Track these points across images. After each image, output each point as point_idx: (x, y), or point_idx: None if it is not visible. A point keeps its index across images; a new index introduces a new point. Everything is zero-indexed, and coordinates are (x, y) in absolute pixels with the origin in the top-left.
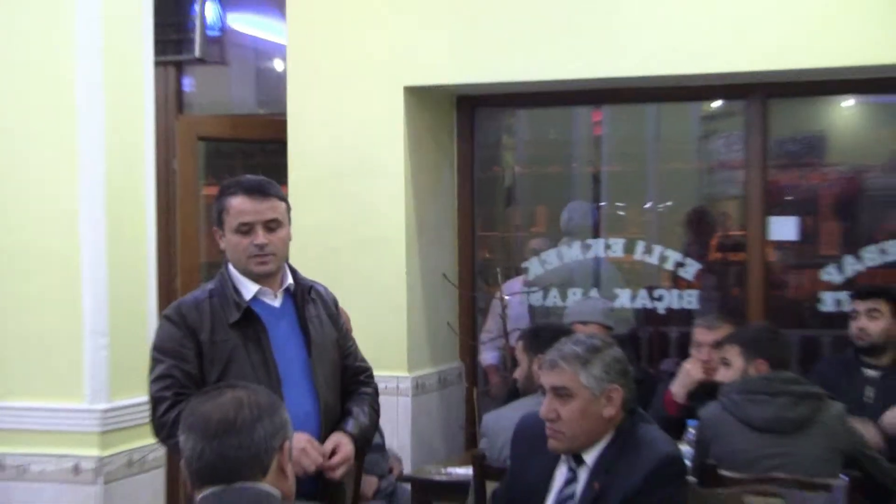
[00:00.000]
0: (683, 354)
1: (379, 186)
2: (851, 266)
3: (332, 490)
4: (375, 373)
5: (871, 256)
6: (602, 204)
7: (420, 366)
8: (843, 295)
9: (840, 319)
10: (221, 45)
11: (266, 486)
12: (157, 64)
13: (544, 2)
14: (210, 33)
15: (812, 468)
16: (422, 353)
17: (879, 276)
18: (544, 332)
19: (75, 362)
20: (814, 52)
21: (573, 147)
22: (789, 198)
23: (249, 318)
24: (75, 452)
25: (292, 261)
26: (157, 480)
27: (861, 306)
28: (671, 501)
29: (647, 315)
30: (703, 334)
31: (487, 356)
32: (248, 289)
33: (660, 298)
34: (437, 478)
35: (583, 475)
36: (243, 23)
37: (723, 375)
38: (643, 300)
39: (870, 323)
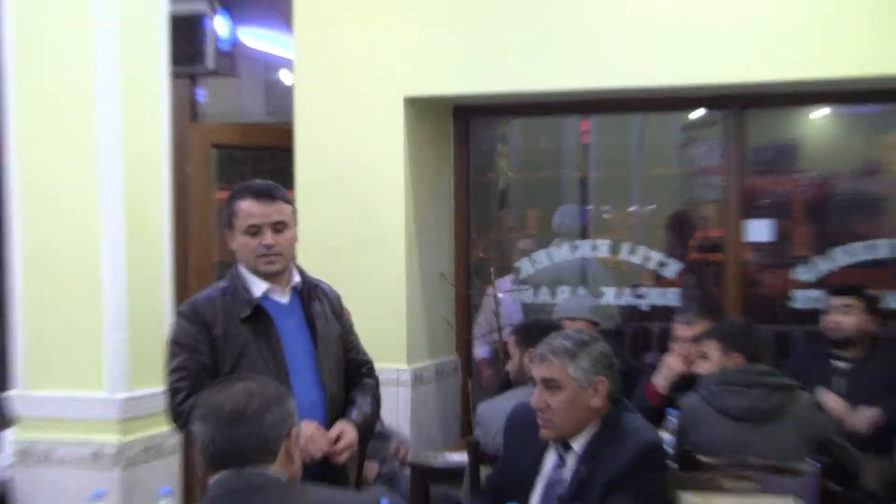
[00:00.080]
0: (665, 348)
1: (380, 190)
2: (822, 266)
3: (336, 474)
4: (377, 365)
5: (840, 257)
6: (589, 207)
7: (419, 359)
8: (814, 293)
9: (811, 316)
10: (233, 58)
11: (275, 470)
12: (173, 75)
13: (536, 19)
14: (222, 47)
15: (784, 454)
16: (420, 347)
17: (847, 276)
18: (535, 328)
19: (96, 355)
20: (788, 65)
21: (562, 154)
22: (764, 202)
23: (259, 314)
24: (96, 439)
25: (299, 260)
26: (172, 465)
27: (836, 302)
28: (653, 485)
29: (631, 311)
30: (683, 329)
31: (479, 350)
32: (258, 286)
33: (643, 296)
34: (435, 463)
35: (570, 461)
36: (253, 37)
37: (701, 368)
38: (627, 297)
39: (843, 317)
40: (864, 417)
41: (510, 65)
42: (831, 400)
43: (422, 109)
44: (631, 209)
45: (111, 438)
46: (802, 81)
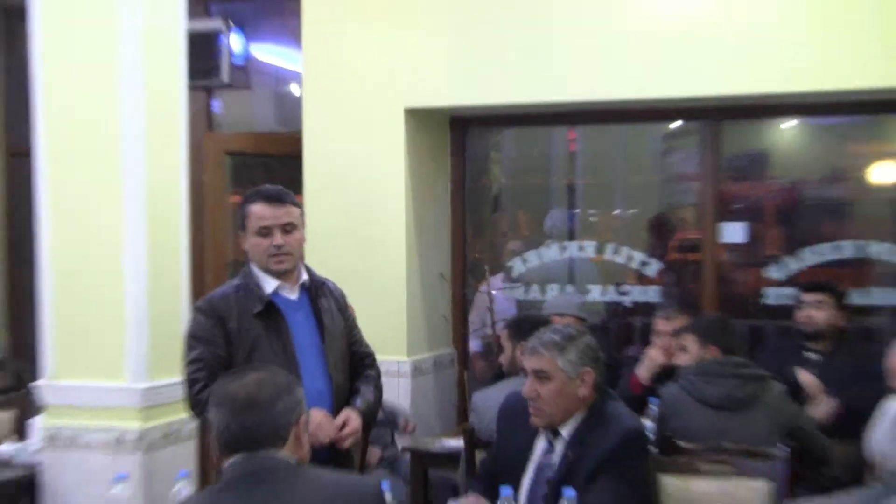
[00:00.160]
0: (646, 342)
1: (382, 195)
2: (791, 265)
3: (341, 459)
4: (379, 357)
5: (809, 257)
6: (576, 211)
7: (418, 351)
8: (785, 290)
9: (781, 311)
10: (246, 72)
11: (285, 454)
12: (190, 88)
13: (528, 37)
14: (236, 62)
15: (757, 440)
16: (419, 341)
17: (815, 274)
18: (526, 323)
19: (118, 347)
20: (760, 80)
21: (552, 161)
22: (738, 206)
23: (271, 310)
24: (119, 425)
25: (306, 260)
26: (190, 450)
27: (809, 298)
28: (635, 469)
29: (615, 308)
30: (663, 324)
31: (472, 344)
32: (269, 284)
33: (626, 293)
34: (433, 448)
35: (559, 446)
36: (265, 53)
37: (681, 360)
38: (612, 295)
39: (816, 312)
40: (823, 408)
41: (503, 79)
42: (807, 378)
43: (421, 120)
44: (615, 213)
45: (133, 425)
46: (773, 95)
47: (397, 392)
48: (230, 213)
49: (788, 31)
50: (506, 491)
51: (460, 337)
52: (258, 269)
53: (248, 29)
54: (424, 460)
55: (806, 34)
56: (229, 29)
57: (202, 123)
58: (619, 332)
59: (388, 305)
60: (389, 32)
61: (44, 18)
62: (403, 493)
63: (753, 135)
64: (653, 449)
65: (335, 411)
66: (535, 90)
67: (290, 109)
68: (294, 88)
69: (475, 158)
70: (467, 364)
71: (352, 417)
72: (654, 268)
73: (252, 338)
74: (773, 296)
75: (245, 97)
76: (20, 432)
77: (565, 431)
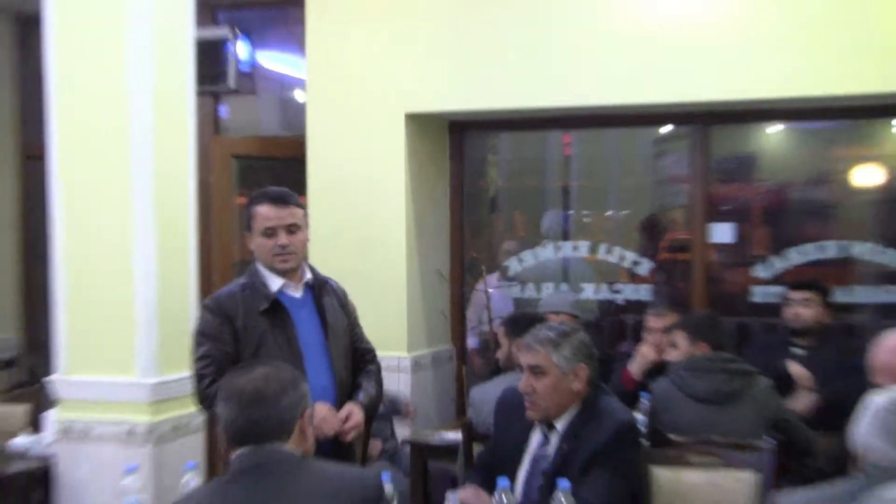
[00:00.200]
0: (638, 338)
1: (383, 197)
2: (777, 264)
3: (344, 451)
4: (380, 353)
5: (794, 256)
6: (571, 212)
7: (418, 347)
8: (771, 288)
9: (768, 309)
10: (251, 78)
11: (290, 447)
12: (198, 94)
13: (523, 45)
14: (242, 68)
15: (744, 433)
16: (419, 337)
17: (800, 273)
18: (522, 320)
19: (129, 344)
20: (747, 86)
21: (547, 164)
22: (727, 208)
23: (276, 308)
24: (130, 419)
25: (310, 259)
26: (198, 442)
27: (796, 296)
28: (628, 461)
29: (608, 305)
30: (654, 321)
31: (469, 341)
32: (275, 282)
33: (619, 291)
34: (432, 441)
35: (554, 439)
36: (270, 60)
37: (671, 356)
38: (605, 293)
39: (804, 310)
40: (803, 402)
41: (500, 85)
42: (799, 371)
43: (421, 124)
44: (608, 214)
45: (143, 418)
46: (760, 100)
47: (397, 387)
48: (236, 214)
49: (776, 41)
50: (503, 482)
51: (459, 334)
52: (264, 268)
53: (254, 37)
54: (424, 452)
55: (793, 43)
56: (236, 37)
57: (209, 127)
58: (611, 329)
59: (389, 303)
60: (390, 41)
61: (57, 26)
62: (404, 485)
63: (741, 139)
64: (644, 442)
65: (339, 405)
66: (531, 96)
67: (295, 114)
68: (298, 94)
69: (473, 161)
70: (465, 360)
71: (355, 411)
72: (645, 267)
73: (258, 334)
74: (760, 294)
75: (251, 102)
76: (35, 425)
77: (560, 425)
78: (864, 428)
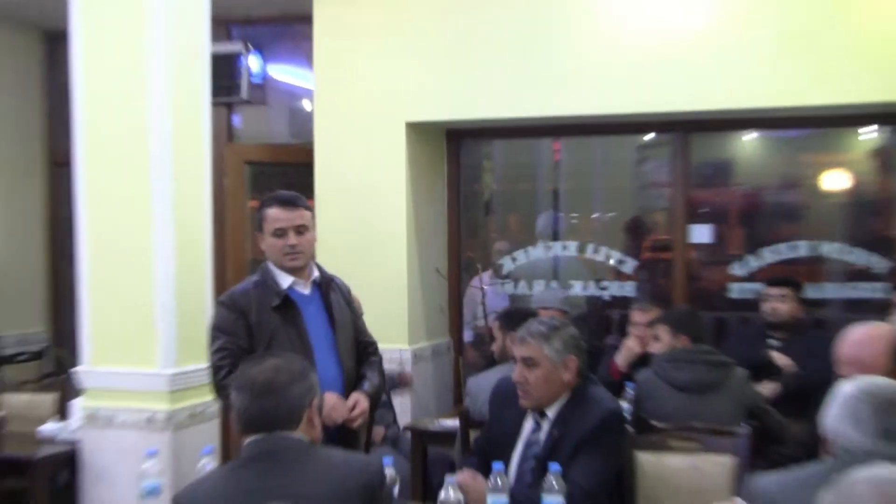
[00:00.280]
0: (623, 332)
1: (385, 200)
2: (752, 263)
3: (350, 437)
4: (383, 346)
5: (768, 255)
6: (560, 214)
7: (418, 340)
8: (747, 285)
9: (744, 304)
10: (263, 89)
11: (298, 434)
12: (213, 104)
13: (516, 59)
14: (254, 80)
15: (722, 420)
16: (419, 331)
17: (774, 271)
18: (515, 315)
19: (150, 337)
20: (725, 96)
21: (537, 170)
22: (705, 210)
23: (287, 304)
24: (150, 407)
25: (317, 258)
26: (213, 429)
27: (774, 291)
28: (614, 445)
29: (595, 301)
30: (638, 316)
31: (465, 335)
32: (285, 280)
33: (605, 288)
34: (432, 428)
35: (545, 425)
36: (280, 72)
37: (654, 348)
38: (592, 290)
39: (780, 305)
40: (768, 389)
41: (494, 96)
42: (783, 360)
43: (420, 132)
44: (594, 216)
45: (162, 406)
46: (736, 110)
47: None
48: (249, 216)
49: (751, 55)
50: (497, 466)
51: (456, 327)
52: (274, 267)
53: (266, 51)
54: (424, 438)
55: (766, 57)
56: (248, 51)
57: (224, 136)
58: (598, 323)
59: (391, 299)
60: (392, 55)
61: (83, 42)
62: (405, 468)
63: (719, 146)
64: (629, 428)
65: (346, 394)
66: (523, 106)
67: (303, 123)
68: (306, 104)
69: (469, 167)
70: (462, 352)
71: (361, 400)
72: (630, 265)
73: (271, 329)
74: (737, 290)
75: (262, 112)
76: (62, 413)
77: (551, 412)
78: (833, 415)
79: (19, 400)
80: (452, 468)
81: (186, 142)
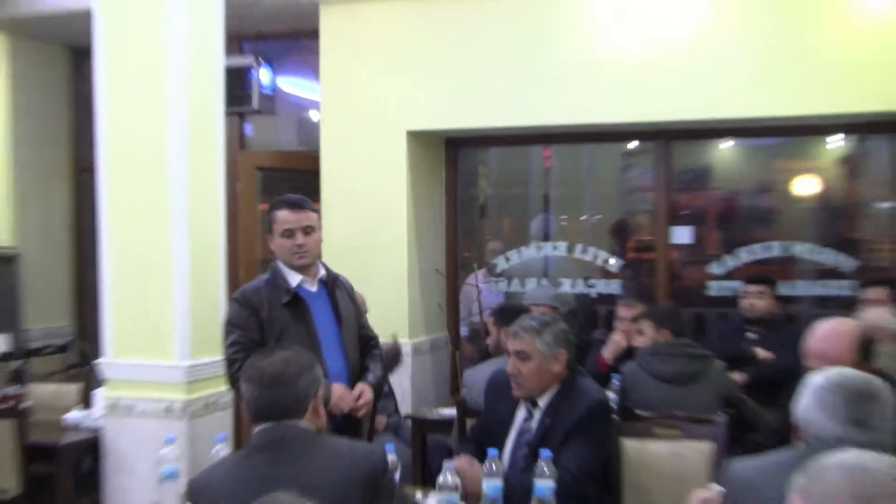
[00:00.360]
0: (610, 326)
1: (387, 203)
2: (729, 262)
3: (354, 425)
4: (384, 340)
5: (744, 255)
6: (550, 217)
7: (417, 335)
8: (724, 283)
9: (721, 301)
10: (273, 100)
11: (304, 423)
12: (226, 114)
13: (509, 72)
14: (264, 92)
15: (702, 409)
16: (419, 326)
17: (750, 270)
18: (509, 310)
19: (167, 332)
20: (704, 106)
21: (529, 175)
22: (686, 213)
23: (296, 300)
24: (167, 397)
25: (323, 258)
26: (227, 417)
27: (752, 289)
28: (601, 433)
29: (583, 298)
30: (624, 311)
31: (462, 329)
32: (294, 278)
33: (593, 286)
34: (430, 416)
35: (537, 414)
36: (289, 84)
37: (638, 342)
38: (581, 287)
39: (758, 301)
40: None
41: (489, 106)
42: (763, 353)
43: (420, 141)
44: (583, 218)
45: (179, 396)
46: (714, 120)
47: (399, 369)
48: (259, 218)
49: (727, 67)
50: (492, 452)
51: (453, 323)
52: (283, 266)
53: (275, 64)
54: (423, 426)
55: (742, 69)
56: (259, 64)
57: (236, 143)
58: (586, 318)
59: (393, 296)
60: (394, 68)
61: (106, 57)
62: (406, 455)
63: (698, 153)
64: (615, 417)
65: (351, 385)
66: (516, 116)
67: (310, 132)
68: (313, 114)
69: (465, 172)
70: (459, 346)
71: (365, 390)
72: (615, 265)
73: (281, 324)
74: (715, 288)
75: (272, 121)
76: (86, 402)
77: (542, 402)
78: (806, 404)
79: (46, 390)
80: (450, 454)
81: (201, 149)
